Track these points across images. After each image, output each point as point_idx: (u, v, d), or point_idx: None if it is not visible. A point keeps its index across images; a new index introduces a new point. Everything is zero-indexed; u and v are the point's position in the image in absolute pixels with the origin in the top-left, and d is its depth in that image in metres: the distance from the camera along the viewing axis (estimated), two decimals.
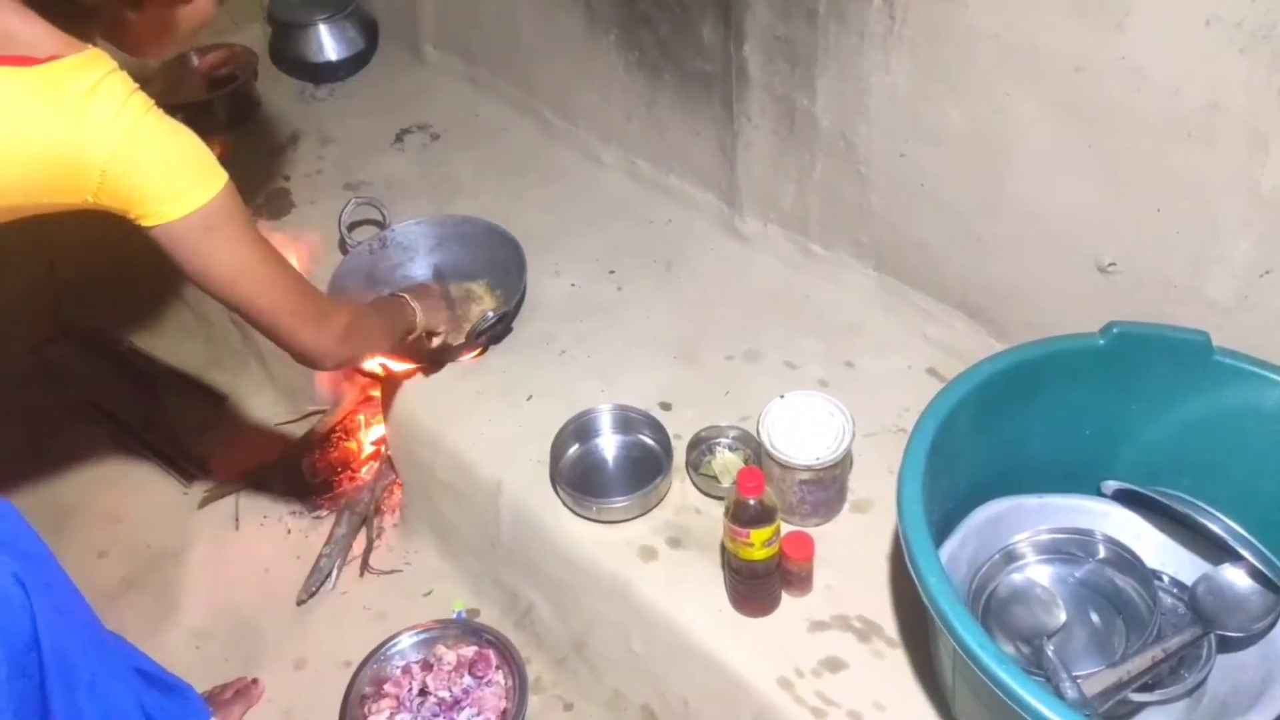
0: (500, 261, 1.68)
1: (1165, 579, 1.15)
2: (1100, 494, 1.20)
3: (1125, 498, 1.18)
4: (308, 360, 1.21)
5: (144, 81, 0.99)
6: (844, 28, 1.38)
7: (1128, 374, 1.15)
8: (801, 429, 1.28)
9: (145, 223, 0.95)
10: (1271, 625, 1.07)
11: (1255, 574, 1.07)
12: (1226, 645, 1.09)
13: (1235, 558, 1.09)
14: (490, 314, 1.56)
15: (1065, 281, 1.33)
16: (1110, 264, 1.27)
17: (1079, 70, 1.18)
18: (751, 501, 1.15)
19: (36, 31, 0.92)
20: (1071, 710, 0.84)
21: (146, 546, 1.70)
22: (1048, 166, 1.28)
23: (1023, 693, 0.85)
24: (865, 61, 1.38)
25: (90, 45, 0.95)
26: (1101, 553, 1.14)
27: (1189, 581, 1.12)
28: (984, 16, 1.23)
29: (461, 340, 1.55)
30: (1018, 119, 1.27)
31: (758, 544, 1.16)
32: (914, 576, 0.95)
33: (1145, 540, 1.17)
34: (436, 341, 1.51)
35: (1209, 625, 1.06)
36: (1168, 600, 1.14)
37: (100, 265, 1.97)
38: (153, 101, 0.95)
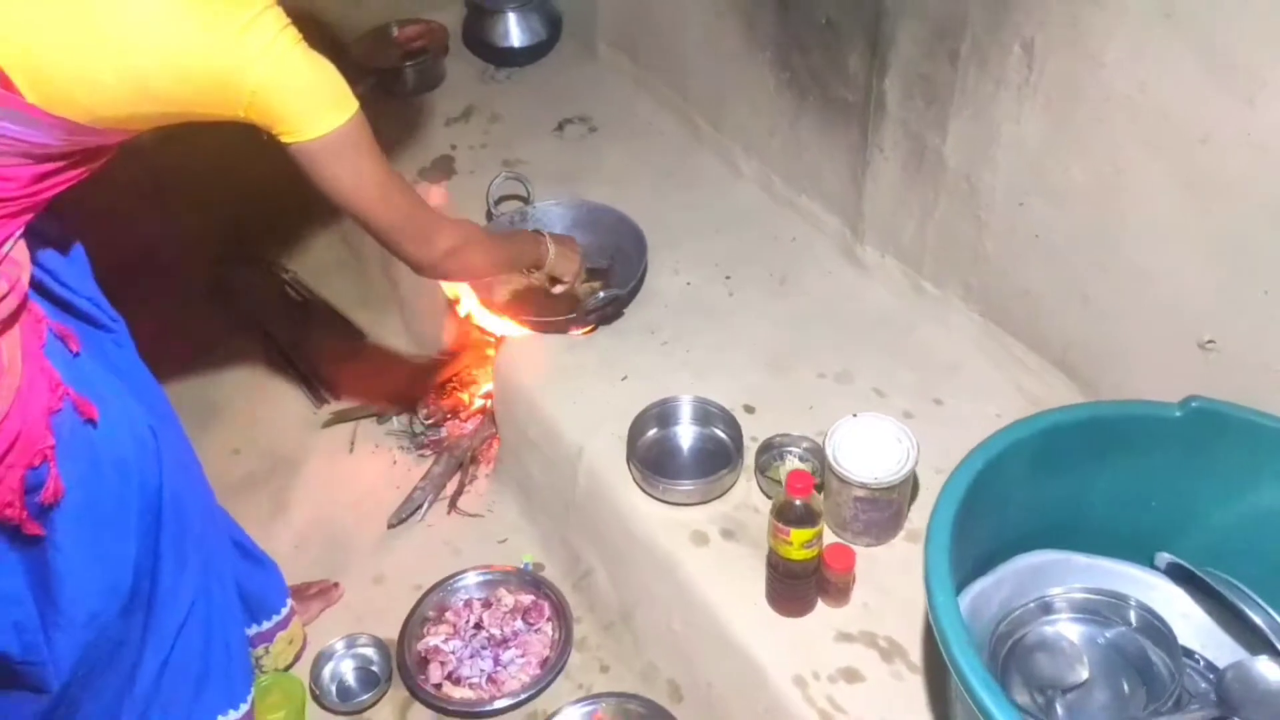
0: (624, 250, 1.79)
1: (1201, 661, 1.13)
2: (1153, 564, 1.19)
3: (1177, 573, 1.16)
4: (412, 267, 1.32)
5: (345, 48, 1.02)
6: (983, 73, 1.41)
7: (1202, 451, 1.13)
8: (867, 448, 1.31)
9: (285, 139, 1.07)
10: None
11: None
12: None
13: (1275, 652, 1.06)
14: (602, 293, 1.67)
15: (1162, 351, 1.32)
16: (1209, 341, 1.25)
17: (1204, 141, 1.18)
18: (797, 502, 1.20)
19: None
20: None
21: (272, 452, 1.90)
22: (1162, 234, 1.27)
23: None
24: (999, 109, 1.41)
25: None
26: (1134, 620, 1.13)
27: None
28: (1120, 77, 1.24)
29: (584, 298, 1.67)
30: (1139, 182, 1.27)
31: (796, 544, 1.21)
32: (929, 610, 0.98)
33: (1191, 619, 1.15)
34: (559, 289, 1.63)
35: (1231, 712, 1.03)
36: (1200, 683, 1.12)
37: (283, 201, 2.19)
38: (299, 35, 1.05)
